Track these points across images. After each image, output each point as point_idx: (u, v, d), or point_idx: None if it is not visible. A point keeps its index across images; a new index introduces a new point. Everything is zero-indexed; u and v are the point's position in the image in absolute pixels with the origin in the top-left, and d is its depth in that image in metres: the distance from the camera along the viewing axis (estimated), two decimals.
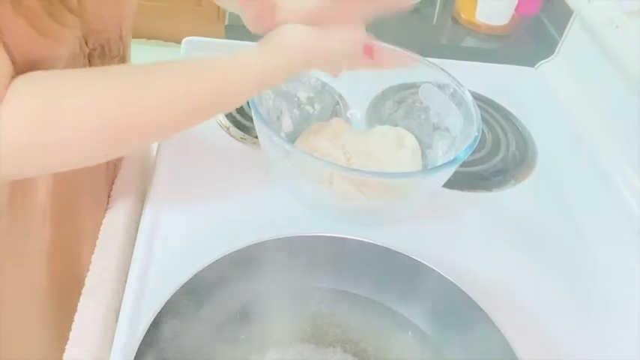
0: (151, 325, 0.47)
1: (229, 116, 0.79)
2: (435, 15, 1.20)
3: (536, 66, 1.01)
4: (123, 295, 0.56)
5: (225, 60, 0.53)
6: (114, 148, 0.51)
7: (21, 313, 0.62)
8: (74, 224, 0.64)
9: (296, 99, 0.71)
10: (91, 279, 0.57)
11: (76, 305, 0.64)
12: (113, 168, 0.69)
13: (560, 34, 0.97)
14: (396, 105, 0.75)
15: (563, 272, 0.66)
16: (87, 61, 0.56)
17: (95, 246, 0.63)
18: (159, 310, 0.48)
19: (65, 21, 0.47)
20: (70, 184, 0.53)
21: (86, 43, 0.55)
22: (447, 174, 0.62)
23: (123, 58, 0.63)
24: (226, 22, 1.07)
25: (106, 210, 0.65)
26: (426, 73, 0.70)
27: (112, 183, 0.68)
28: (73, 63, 0.54)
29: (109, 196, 0.68)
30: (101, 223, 0.65)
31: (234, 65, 0.53)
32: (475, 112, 0.63)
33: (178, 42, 0.91)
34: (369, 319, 0.56)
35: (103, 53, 0.58)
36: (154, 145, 0.75)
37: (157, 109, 0.49)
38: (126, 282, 0.57)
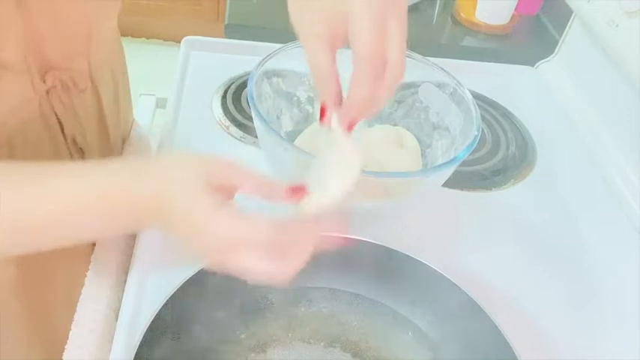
0: (150, 325, 0.47)
1: (229, 115, 0.79)
2: (435, 15, 1.20)
3: (535, 65, 1.01)
4: (123, 295, 0.56)
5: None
6: None
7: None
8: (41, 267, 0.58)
9: (295, 98, 0.71)
10: (90, 279, 0.57)
11: (54, 330, 0.59)
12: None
13: (560, 34, 0.97)
14: (395, 104, 0.75)
15: (563, 271, 0.66)
16: (46, 99, 0.51)
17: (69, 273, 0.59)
18: (159, 310, 0.48)
19: None
20: None
21: (44, 80, 0.49)
22: (446, 173, 0.62)
23: (95, 90, 0.58)
24: (226, 22, 1.07)
25: None
26: (425, 72, 0.69)
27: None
28: (26, 107, 0.49)
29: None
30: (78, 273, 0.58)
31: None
32: (475, 112, 0.63)
33: (178, 41, 0.91)
34: (369, 319, 0.56)
35: (67, 88, 0.52)
36: (155, 144, 0.75)
37: None
38: (126, 282, 0.57)
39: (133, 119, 0.75)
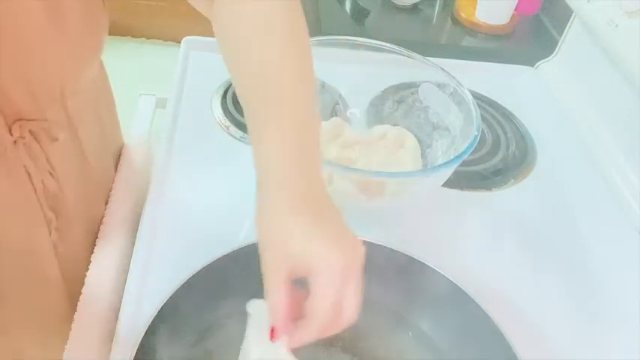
0: (150, 324, 0.47)
1: (229, 115, 0.79)
2: (435, 15, 1.20)
3: (535, 65, 1.01)
4: (123, 295, 0.56)
5: None
6: None
7: None
8: None
9: None
10: (91, 279, 0.57)
11: None
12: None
13: (560, 34, 0.97)
14: (395, 104, 0.75)
15: (563, 271, 0.66)
16: (13, 150, 0.45)
17: None
18: (158, 310, 0.48)
19: None
20: None
21: (10, 132, 0.44)
22: (446, 173, 0.62)
23: (74, 135, 0.52)
24: None
25: (106, 210, 0.65)
26: (425, 72, 0.70)
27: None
28: None
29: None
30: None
31: None
32: (475, 112, 0.63)
33: (178, 42, 0.91)
34: (369, 319, 0.56)
35: (38, 138, 0.47)
36: (155, 145, 0.75)
37: None
38: (126, 282, 0.57)
39: (123, 143, 0.72)
